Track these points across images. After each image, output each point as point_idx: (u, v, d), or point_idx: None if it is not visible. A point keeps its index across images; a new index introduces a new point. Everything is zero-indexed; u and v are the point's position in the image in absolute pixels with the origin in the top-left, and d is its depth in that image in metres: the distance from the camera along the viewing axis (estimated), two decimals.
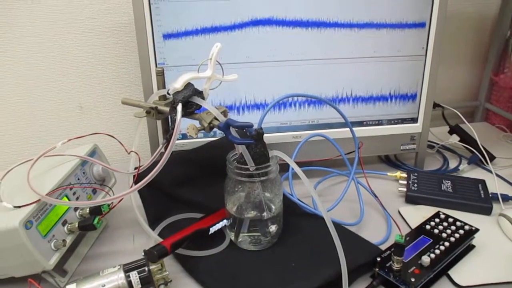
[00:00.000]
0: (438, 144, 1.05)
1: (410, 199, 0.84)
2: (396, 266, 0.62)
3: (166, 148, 0.63)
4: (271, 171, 0.66)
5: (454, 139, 1.03)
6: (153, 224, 0.73)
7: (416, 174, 0.89)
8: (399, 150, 0.94)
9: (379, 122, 0.92)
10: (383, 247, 0.69)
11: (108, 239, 0.75)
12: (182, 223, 0.73)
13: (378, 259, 0.64)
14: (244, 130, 0.64)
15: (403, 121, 0.93)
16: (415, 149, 0.95)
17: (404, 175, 0.90)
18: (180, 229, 0.68)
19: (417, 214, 0.79)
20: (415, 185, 0.86)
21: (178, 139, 0.86)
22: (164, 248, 0.61)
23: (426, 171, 0.95)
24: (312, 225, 0.73)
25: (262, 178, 0.65)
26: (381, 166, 1.00)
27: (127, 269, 0.60)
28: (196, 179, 0.77)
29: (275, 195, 0.69)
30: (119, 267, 0.60)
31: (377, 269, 0.64)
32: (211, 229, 0.70)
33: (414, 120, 0.93)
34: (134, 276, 0.59)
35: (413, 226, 0.75)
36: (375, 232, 0.75)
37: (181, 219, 0.75)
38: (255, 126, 0.65)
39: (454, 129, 1.03)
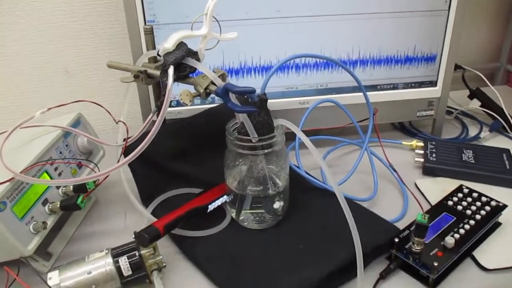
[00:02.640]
0: (456, 109, 0.96)
1: (428, 171, 0.77)
2: (416, 248, 0.56)
3: (158, 117, 0.55)
4: (276, 142, 0.58)
5: (475, 104, 0.95)
6: (146, 201, 0.67)
7: (434, 143, 0.82)
8: (415, 116, 0.86)
9: (394, 86, 0.83)
10: (399, 225, 0.62)
11: (98, 217, 0.69)
12: (178, 200, 0.66)
13: (396, 239, 0.57)
14: (246, 96, 0.56)
15: (420, 84, 0.84)
16: (432, 116, 0.87)
17: (421, 144, 0.82)
18: (176, 206, 0.61)
19: (437, 188, 0.72)
20: (433, 155, 0.78)
21: (172, 106, 0.78)
22: (156, 230, 0.54)
23: (444, 140, 0.87)
24: (322, 201, 0.66)
25: (266, 151, 0.58)
26: (394, 134, 0.92)
27: (116, 253, 0.53)
28: (192, 151, 0.70)
29: (281, 168, 0.62)
30: (106, 251, 0.54)
31: (394, 250, 0.57)
32: (209, 206, 0.63)
33: (432, 83, 0.84)
34: (124, 261, 0.53)
35: (432, 201, 0.69)
36: (390, 209, 0.68)
37: (176, 195, 0.68)
38: (258, 92, 0.57)
39: (475, 93, 0.94)
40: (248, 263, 0.56)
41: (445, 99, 0.85)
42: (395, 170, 0.62)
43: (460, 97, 0.97)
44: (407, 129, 0.92)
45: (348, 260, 0.54)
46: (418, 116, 0.86)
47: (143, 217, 0.64)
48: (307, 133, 0.56)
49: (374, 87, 0.83)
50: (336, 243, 0.57)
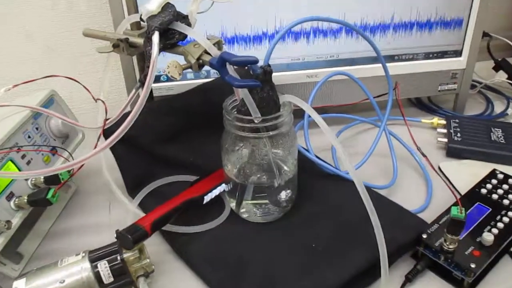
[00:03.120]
0: (480, 83, 0.87)
1: (453, 152, 0.68)
2: (448, 247, 0.47)
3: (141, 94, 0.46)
4: (283, 122, 0.49)
5: (500, 76, 0.85)
6: (133, 192, 0.58)
7: (457, 120, 0.73)
8: (436, 91, 0.77)
9: (414, 56, 0.74)
10: (422, 216, 0.54)
11: (78, 210, 0.60)
12: (169, 190, 0.57)
13: (424, 235, 0.49)
14: (246, 68, 0.47)
15: (443, 54, 0.74)
16: (455, 90, 0.77)
17: (443, 121, 0.73)
18: (167, 197, 0.53)
19: (464, 172, 0.63)
20: (458, 134, 0.69)
21: (160, 81, 0.68)
22: (142, 229, 0.46)
23: (469, 117, 0.78)
24: (335, 189, 0.57)
25: (271, 133, 0.49)
26: (410, 110, 0.82)
27: (94, 257, 0.45)
28: (185, 133, 0.61)
29: (288, 153, 0.53)
30: (83, 254, 0.45)
31: (421, 248, 0.49)
32: (205, 197, 0.55)
33: (457, 53, 0.74)
34: (104, 266, 0.44)
35: (460, 188, 0.60)
36: (411, 197, 0.60)
37: (167, 184, 0.59)
38: (261, 63, 0.47)
39: (501, 65, 0.85)
40: (251, 265, 0.48)
41: (470, 70, 0.76)
42: (424, 155, 0.53)
43: (484, 69, 0.87)
44: (425, 105, 0.83)
45: (370, 263, 0.45)
46: (439, 91, 0.77)
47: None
48: (315, 111, 0.46)
49: (391, 58, 0.73)
50: (355, 242, 0.48)
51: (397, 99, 0.62)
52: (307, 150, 0.60)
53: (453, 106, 0.81)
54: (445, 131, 0.71)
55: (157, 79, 0.68)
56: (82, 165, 0.46)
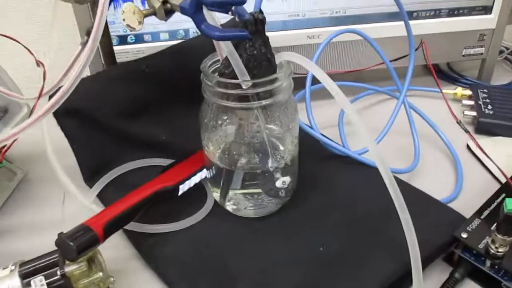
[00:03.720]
0: (508, 48, 0.75)
1: (484, 128, 0.56)
2: (498, 250, 0.36)
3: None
4: (280, 89, 0.37)
5: None
6: (90, 180, 0.46)
7: (485, 90, 0.61)
8: (460, 55, 0.65)
9: (436, 13, 0.61)
10: (453, 207, 0.43)
11: (25, 202, 0.48)
12: (137, 177, 0.46)
13: (463, 234, 0.38)
14: (230, 13, 0.34)
15: (470, 11, 0.62)
16: (482, 55, 0.65)
17: (468, 92, 0.62)
18: (133, 187, 0.41)
19: (498, 151, 0.52)
20: (489, 106, 0.58)
21: (128, 43, 0.56)
22: (90, 233, 0.34)
23: (500, 87, 0.66)
24: (346, 175, 0.46)
25: (264, 102, 0.37)
26: (426, 80, 0.70)
27: (27, 272, 0.33)
28: (156, 105, 0.49)
29: (287, 129, 0.41)
30: (13, 268, 0.34)
31: (459, 251, 0.38)
32: (181, 187, 0.43)
33: (486, 10, 0.62)
34: (39, 283, 0.33)
35: (496, 171, 0.49)
36: (436, 184, 0.48)
37: (134, 169, 0.47)
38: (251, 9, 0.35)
39: None
40: (240, 278, 0.36)
41: (500, 31, 0.64)
42: (467, 131, 0.41)
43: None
44: (444, 73, 0.71)
45: (398, 274, 0.34)
46: (464, 55, 0.65)
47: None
48: (316, 81, 0.35)
49: (409, 15, 0.60)
50: (376, 243, 0.37)
51: (427, 60, 0.50)
52: (310, 127, 0.48)
53: (478, 75, 0.69)
54: (472, 103, 0.60)
55: (123, 40, 0.55)
56: (5, 147, 0.34)
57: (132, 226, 0.40)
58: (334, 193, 0.44)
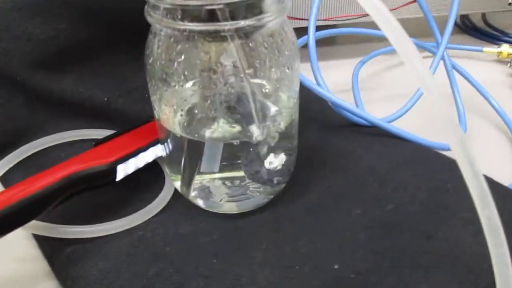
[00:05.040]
0: None
1: None
2: None
3: None
4: (267, 8, 0.23)
5: None
6: None
7: None
8: (506, 4, 0.51)
9: None
10: None
11: None
12: (62, 156, 0.31)
13: None
14: None
15: None
16: None
17: None
18: (43, 168, 0.26)
19: None
20: None
21: None
22: None
23: None
24: (371, 154, 0.31)
25: (243, 23, 0.22)
26: (460, 37, 0.56)
27: None
28: (88, 52, 0.34)
29: (282, 76, 0.26)
30: None
31: None
32: (119, 169, 0.28)
33: None
34: None
35: None
36: (490, 163, 0.34)
37: (58, 145, 0.32)
38: None
39: None
40: None
41: None
42: None
43: None
44: (480, 30, 0.57)
45: None
46: (510, 4, 0.51)
47: None
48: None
49: None
50: (424, 261, 0.23)
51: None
52: (318, 83, 0.34)
53: None
54: None
55: None
56: None
57: (39, 227, 0.26)
58: (351, 179, 0.29)
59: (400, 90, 0.39)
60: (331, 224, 0.26)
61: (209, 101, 0.26)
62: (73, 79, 0.33)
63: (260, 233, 0.26)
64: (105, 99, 0.33)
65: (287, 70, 0.26)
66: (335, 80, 0.41)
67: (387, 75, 0.47)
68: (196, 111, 0.26)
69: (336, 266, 0.23)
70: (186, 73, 0.25)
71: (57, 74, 0.33)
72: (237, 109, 0.25)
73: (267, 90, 0.27)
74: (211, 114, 0.25)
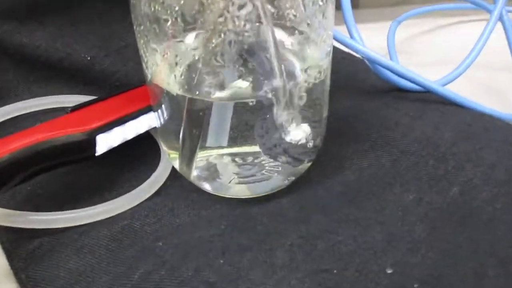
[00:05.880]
0: None
1: None
2: None
3: None
4: None
5: None
6: None
7: None
8: None
9: None
10: None
11: None
12: (25, 127, 0.25)
13: None
14: None
15: None
16: None
17: None
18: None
19: None
20: None
21: None
22: None
23: None
24: (422, 125, 0.24)
25: None
26: None
27: None
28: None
29: (316, 32, 0.20)
30: None
31: None
32: (99, 140, 0.22)
33: None
34: None
35: None
36: None
37: (25, 115, 0.26)
38: None
39: None
40: None
41: None
42: None
43: None
44: None
45: None
46: None
47: None
48: None
49: None
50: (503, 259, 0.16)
51: None
52: (352, 36, 0.27)
53: None
54: None
55: None
56: None
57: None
58: (399, 156, 0.22)
59: (439, 57, 0.32)
60: (378, 213, 0.19)
61: (217, 51, 0.19)
62: (49, 33, 0.27)
63: (282, 225, 0.20)
64: (88, 58, 0.27)
65: (319, 24, 0.19)
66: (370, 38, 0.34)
67: (423, 39, 0.40)
68: (199, 65, 0.19)
69: (389, 271, 0.17)
70: (184, 12, 0.19)
71: (29, 25, 0.26)
72: (254, 59, 0.19)
73: (292, 41, 0.21)
74: (218, 67, 0.19)
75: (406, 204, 0.20)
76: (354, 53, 0.27)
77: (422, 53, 0.37)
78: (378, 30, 0.37)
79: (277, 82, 0.18)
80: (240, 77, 0.19)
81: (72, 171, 0.22)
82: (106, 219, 0.21)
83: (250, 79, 0.19)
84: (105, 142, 0.22)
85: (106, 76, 0.27)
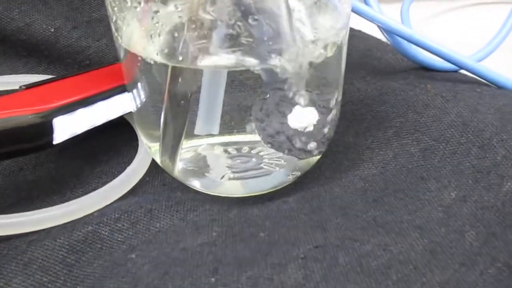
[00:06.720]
0: None
1: None
2: None
3: None
4: None
5: None
6: None
7: None
8: None
9: None
10: None
11: None
12: None
13: None
14: None
15: None
16: None
17: None
18: None
19: None
20: None
21: None
22: None
23: None
24: (456, 107, 0.20)
25: None
26: None
27: None
28: None
29: None
30: None
31: None
32: (56, 123, 0.17)
33: None
34: None
35: None
36: None
37: None
38: None
39: None
40: None
41: None
42: None
43: None
44: None
45: None
46: None
47: None
48: None
49: None
50: None
51: None
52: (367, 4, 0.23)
53: None
54: None
55: None
56: None
57: None
58: (433, 144, 0.18)
59: (481, 32, 0.28)
60: (412, 216, 0.15)
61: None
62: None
63: (291, 231, 0.15)
64: (52, 30, 0.22)
65: None
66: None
67: (436, 20, 0.36)
68: (184, 20, 0.15)
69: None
70: None
71: None
72: (255, 12, 0.15)
73: (301, 7, 0.17)
74: (208, 22, 0.15)
75: (447, 203, 0.15)
76: (365, 31, 0.23)
77: (439, 35, 0.33)
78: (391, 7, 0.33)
79: (288, 44, 0.14)
80: (237, 36, 0.15)
81: (24, 164, 0.18)
82: (65, 224, 0.16)
83: (250, 39, 0.15)
84: (65, 128, 0.18)
85: (74, 53, 0.22)
